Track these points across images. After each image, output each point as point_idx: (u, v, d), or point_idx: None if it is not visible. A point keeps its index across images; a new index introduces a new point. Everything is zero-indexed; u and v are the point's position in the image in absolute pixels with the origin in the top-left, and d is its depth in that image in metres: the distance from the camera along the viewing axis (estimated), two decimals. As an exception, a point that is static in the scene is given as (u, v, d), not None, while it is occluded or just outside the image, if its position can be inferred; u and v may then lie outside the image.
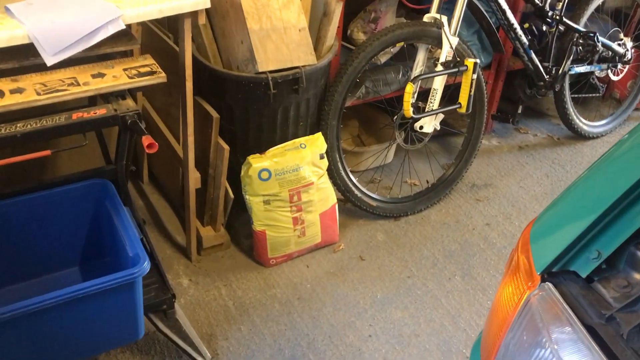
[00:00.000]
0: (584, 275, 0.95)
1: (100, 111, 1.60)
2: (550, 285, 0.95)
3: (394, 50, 2.60)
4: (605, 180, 1.09)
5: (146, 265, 1.55)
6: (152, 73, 1.68)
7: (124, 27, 1.60)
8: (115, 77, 1.64)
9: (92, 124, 1.59)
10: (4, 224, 1.72)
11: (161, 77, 1.69)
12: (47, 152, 1.57)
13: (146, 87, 1.67)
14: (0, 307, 1.41)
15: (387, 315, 2.17)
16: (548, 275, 0.98)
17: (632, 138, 1.17)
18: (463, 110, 2.48)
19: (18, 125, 1.52)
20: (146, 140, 1.59)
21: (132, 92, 1.69)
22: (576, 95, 3.12)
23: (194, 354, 1.90)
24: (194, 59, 1.98)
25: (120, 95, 1.66)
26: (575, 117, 3.15)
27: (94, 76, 1.63)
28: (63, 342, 1.56)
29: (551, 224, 1.10)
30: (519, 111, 2.99)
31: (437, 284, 2.33)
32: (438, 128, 2.54)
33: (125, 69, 1.67)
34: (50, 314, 1.48)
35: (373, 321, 2.15)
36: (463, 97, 2.45)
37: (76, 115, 1.57)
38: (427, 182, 2.77)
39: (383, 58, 2.62)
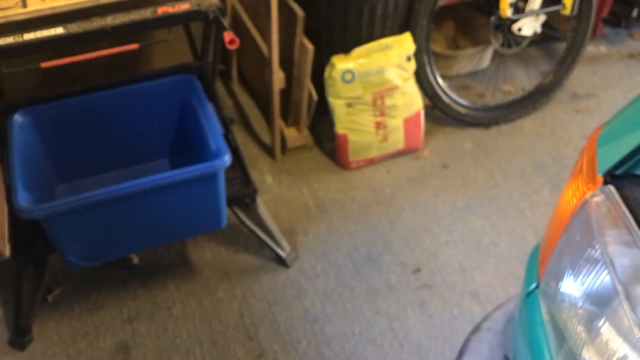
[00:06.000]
0: None
1: (184, 6, 1.62)
2: (611, 187, 0.89)
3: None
4: None
5: (226, 158, 1.61)
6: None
7: None
8: (199, -30, 1.64)
9: (176, 18, 1.62)
10: (100, 115, 1.84)
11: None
12: (135, 46, 1.63)
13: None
14: (96, 190, 1.54)
15: (466, 223, 2.15)
16: (611, 178, 0.92)
17: None
18: (567, 11, 2.28)
19: (108, 18, 1.57)
20: (227, 35, 1.61)
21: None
22: None
23: (274, 246, 2.00)
24: (279, -47, 1.93)
25: (203, -11, 1.66)
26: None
27: (178, -30, 1.64)
28: (152, 225, 1.69)
29: (620, 127, 1.01)
30: (634, 14, 2.70)
31: (523, 195, 2.25)
32: (539, 31, 2.36)
33: (208, -37, 1.66)
34: (139, 199, 1.60)
35: (452, 228, 2.13)
36: (569, -4, 2.25)
37: (161, 10, 1.60)
38: (523, 89, 2.62)
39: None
